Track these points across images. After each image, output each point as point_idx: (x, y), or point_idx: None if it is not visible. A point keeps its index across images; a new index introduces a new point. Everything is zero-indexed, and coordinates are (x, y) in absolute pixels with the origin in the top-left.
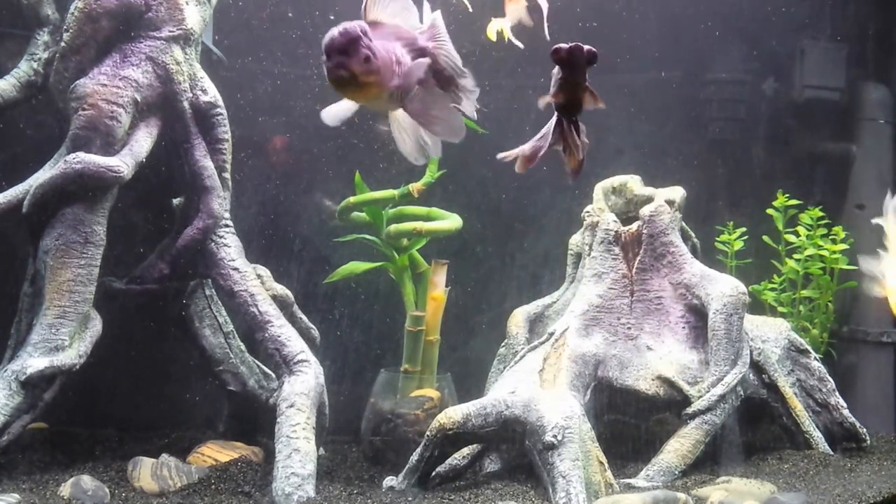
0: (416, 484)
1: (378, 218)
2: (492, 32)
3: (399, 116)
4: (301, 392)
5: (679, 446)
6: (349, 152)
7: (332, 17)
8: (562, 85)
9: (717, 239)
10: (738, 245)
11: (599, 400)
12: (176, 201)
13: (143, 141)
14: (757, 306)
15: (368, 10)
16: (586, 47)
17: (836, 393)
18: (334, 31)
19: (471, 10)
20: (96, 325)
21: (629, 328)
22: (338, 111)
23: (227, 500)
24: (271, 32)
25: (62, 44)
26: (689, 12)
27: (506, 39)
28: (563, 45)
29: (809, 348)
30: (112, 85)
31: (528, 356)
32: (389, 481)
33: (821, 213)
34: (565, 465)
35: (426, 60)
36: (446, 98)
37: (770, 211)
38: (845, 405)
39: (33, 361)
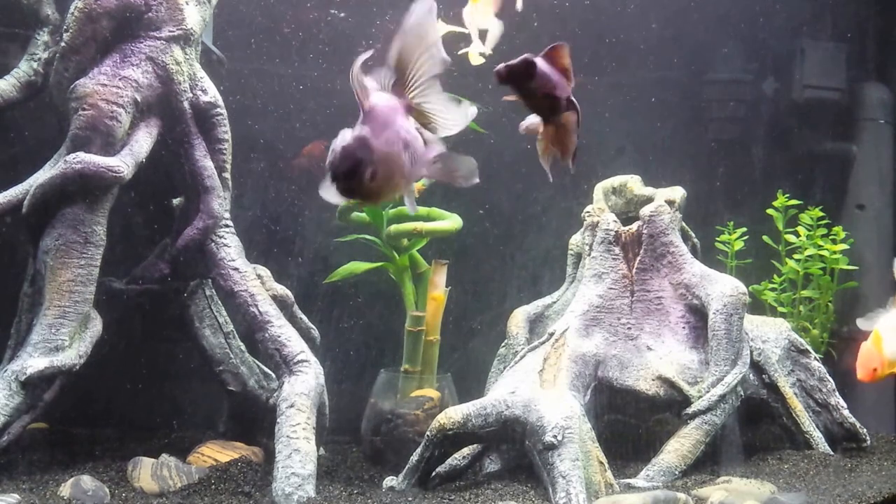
0: (417, 484)
1: (378, 218)
2: (474, 56)
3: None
4: (301, 392)
5: (679, 446)
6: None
7: (332, 12)
8: (522, 100)
9: (718, 239)
10: (739, 245)
11: (599, 400)
12: (176, 201)
13: (143, 141)
14: (757, 306)
15: (363, 98)
16: (521, 60)
17: (836, 393)
18: (336, 155)
19: (468, 32)
20: (96, 326)
21: (629, 328)
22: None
23: (227, 501)
24: (271, 31)
25: (62, 44)
26: (690, 12)
27: (487, 52)
28: (502, 66)
29: (809, 348)
30: (112, 85)
31: (528, 356)
32: (389, 481)
33: (821, 213)
34: (565, 465)
35: (435, 146)
36: (450, 154)
37: (770, 211)
38: (845, 405)
39: (33, 362)
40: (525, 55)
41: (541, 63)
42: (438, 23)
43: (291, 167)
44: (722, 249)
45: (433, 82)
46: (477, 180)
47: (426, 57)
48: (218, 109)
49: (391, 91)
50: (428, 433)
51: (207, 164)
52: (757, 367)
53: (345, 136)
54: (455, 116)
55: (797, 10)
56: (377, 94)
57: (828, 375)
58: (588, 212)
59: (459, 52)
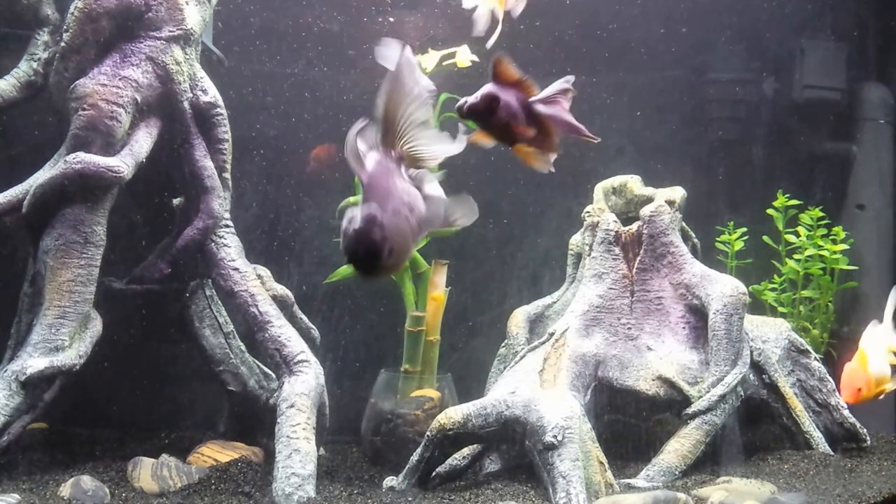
0: (417, 484)
1: None
2: (462, 61)
3: None
4: (301, 392)
5: (679, 446)
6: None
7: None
8: (486, 131)
9: (718, 239)
10: (739, 245)
11: (600, 400)
12: (176, 201)
13: (144, 141)
14: (757, 306)
15: (360, 170)
16: (483, 97)
17: (837, 393)
18: (351, 240)
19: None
20: (96, 326)
21: (629, 328)
22: None
23: (227, 501)
24: (270, 31)
25: (62, 44)
26: (690, 12)
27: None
28: (464, 103)
29: (810, 348)
30: (112, 85)
31: (528, 356)
32: (390, 481)
33: (821, 214)
34: (565, 465)
35: (436, 199)
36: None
37: (770, 211)
38: (845, 405)
39: (33, 362)
40: (487, 90)
41: (502, 93)
42: (430, 53)
43: (302, 170)
44: (722, 249)
45: (421, 126)
46: (476, 215)
47: (412, 105)
48: (218, 109)
49: (380, 145)
50: (428, 433)
51: (207, 164)
52: (757, 367)
53: (354, 219)
54: (444, 149)
55: (797, 10)
56: (371, 161)
57: (828, 375)
58: (588, 212)
59: (446, 62)
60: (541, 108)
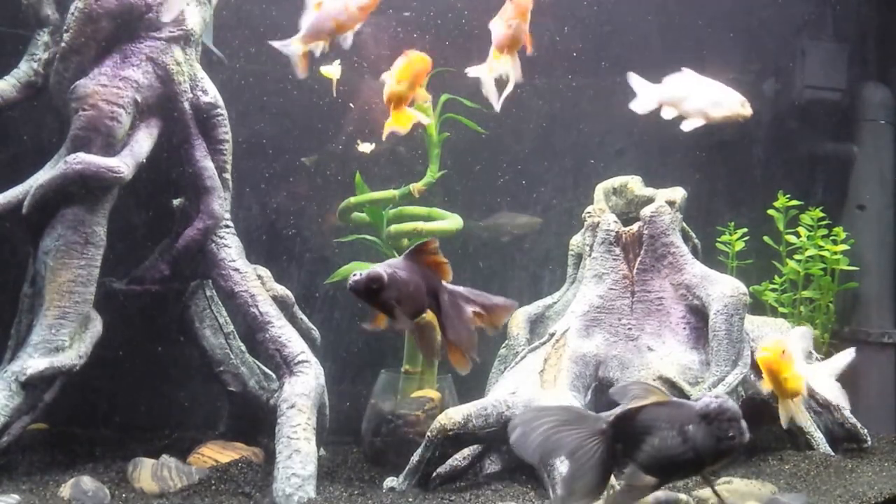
0: (417, 485)
1: (378, 218)
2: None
3: None
4: (301, 393)
5: None
6: (350, 152)
7: None
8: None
9: (718, 239)
10: (739, 246)
11: (600, 400)
12: (176, 202)
13: (144, 141)
14: (758, 307)
15: None
16: (366, 277)
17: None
18: None
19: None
20: (96, 326)
21: (630, 329)
22: None
23: (227, 501)
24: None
25: (62, 44)
26: (690, 12)
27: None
28: (352, 281)
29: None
30: (112, 85)
31: (528, 357)
32: (390, 482)
33: (821, 214)
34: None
35: None
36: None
37: (771, 212)
38: (847, 406)
39: (33, 362)
40: (374, 269)
41: (395, 273)
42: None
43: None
44: (723, 250)
45: None
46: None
47: None
48: (218, 110)
49: None
50: (428, 434)
51: (208, 164)
52: (758, 367)
53: None
54: None
55: (797, 10)
56: None
57: None
58: (589, 212)
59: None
60: (445, 300)
